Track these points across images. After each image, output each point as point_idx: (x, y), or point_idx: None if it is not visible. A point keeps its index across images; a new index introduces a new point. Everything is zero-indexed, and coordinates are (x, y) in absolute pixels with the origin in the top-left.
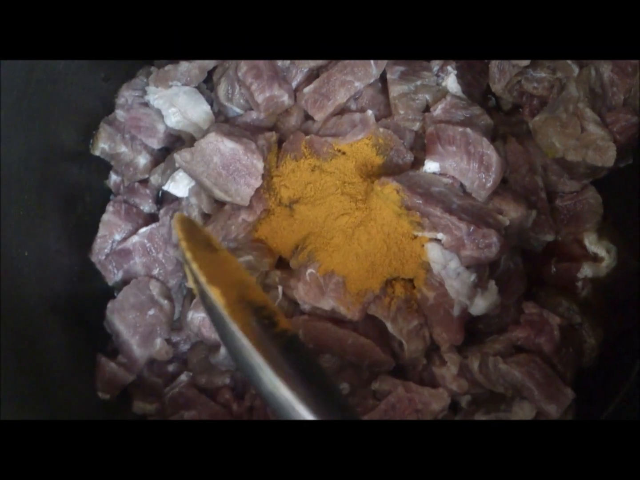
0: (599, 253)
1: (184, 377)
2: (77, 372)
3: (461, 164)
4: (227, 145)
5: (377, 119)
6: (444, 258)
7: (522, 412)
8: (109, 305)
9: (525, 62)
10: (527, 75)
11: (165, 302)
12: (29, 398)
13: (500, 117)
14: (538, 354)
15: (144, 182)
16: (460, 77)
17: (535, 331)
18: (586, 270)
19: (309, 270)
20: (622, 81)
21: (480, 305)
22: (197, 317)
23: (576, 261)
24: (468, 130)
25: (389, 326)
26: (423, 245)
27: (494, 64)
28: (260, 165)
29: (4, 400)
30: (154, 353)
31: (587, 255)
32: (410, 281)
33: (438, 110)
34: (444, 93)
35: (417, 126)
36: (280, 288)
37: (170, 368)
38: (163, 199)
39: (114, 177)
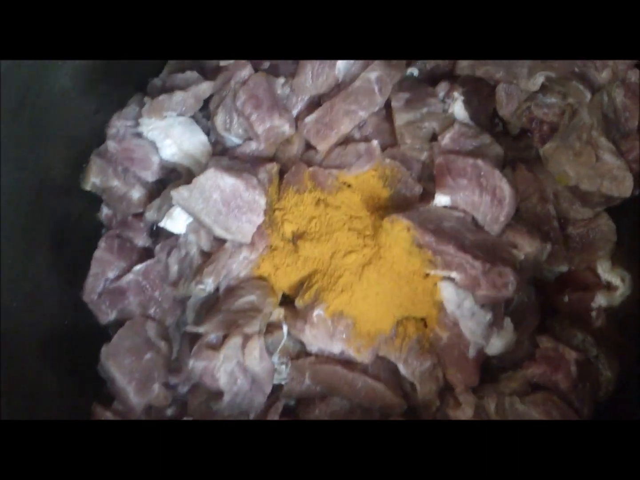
0: (613, 281)
1: None
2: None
3: (473, 197)
4: (227, 181)
5: (383, 148)
6: (458, 297)
7: None
8: (103, 349)
9: (535, 87)
10: (536, 100)
11: (162, 344)
12: None
13: (507, 142)
14: (555, 391)
15: (138, 215)
16: (466, 103)
17: (551, 367)
18: (600, 300)
19: (316, 312)
20: (635, 106)
21: (496, 345)
22: (198, 365)
23: (590, 290)
24: (479, 162)
25: (401, 368)
26: (435, 284)
27: (501, 88)
28: (262, 200)
29: None
30: (151, 399)
31: (601, 283)
32: (422, 320)
33: (446, 139)
34: (451, 120)
35: (424, 156)
36: (285, 328)
37: (169, 412)
38: (158, 232)
39: (105, 210)
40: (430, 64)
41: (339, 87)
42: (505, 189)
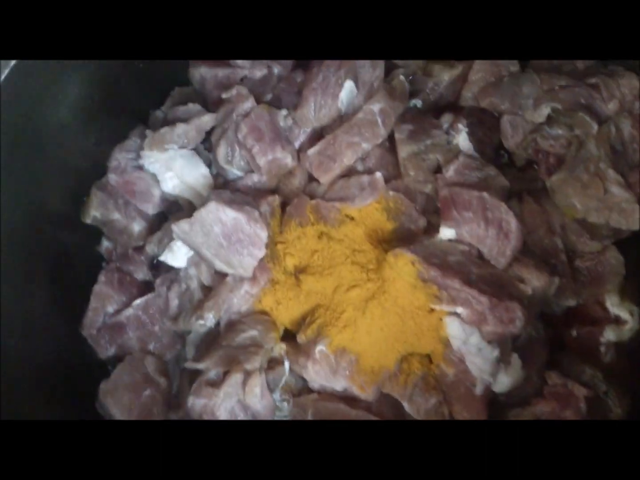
0: (622, 315)
1: None
2: None
3: (478, 231)
4: (229, 215)
5: (386, 180)
6: (464, 333)
7: None
8: (102, 386)
9: (540, 119)
10: (542, 132)
11: (161, 380)
12: None
13: (513, 174)
14: None
15: (139, 248)
16: (471, 135)
17: (560, 404)
18: (609, 334)
19: (319, 348)
20: None
21: (504, 382)
22: (198, 403)
23: (598, 324)
24: (485, 195)
25: (406, 406)
26: (441, 319)
27: (506, 120)
28: (264, 234)
29: None
30: None
31: (610, 317)
32: (427, 356)
33: (451, 172)
34: (455, 152)
35: (429, 188)
36: (287, 364)
37: None
38: (159, 266)
39: (106, 243)
40: (434, 94)
41: (341, 119)
42: (511, 222)
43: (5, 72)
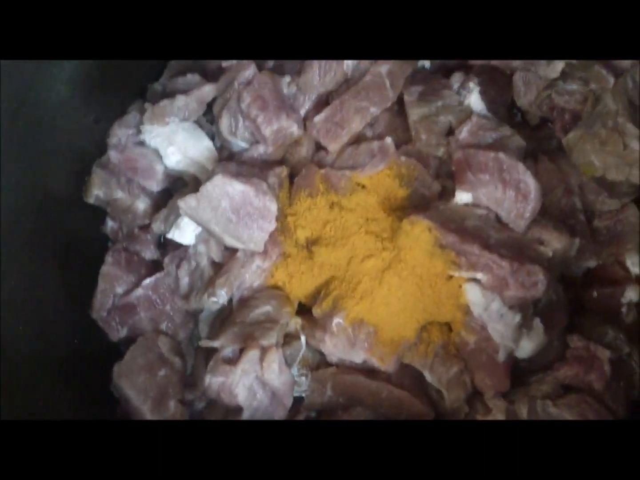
0: None
1: None
2: None
3: (495, 193)
4: (236, 188)
5: (397, 145)
6: (485, 299)
7: None
8: (116, 368)
9: (555, 74)
10: (557, 87)
11: (176, 360)
12: None
13: (527, 133)
14: (588, 392)
15: (145, 226)
16: (482, 94)
17: (584, 368)
18: (630, 294)
19: (336, 321)
20: None
21: (527, 348)
22: (215, 381)
23: (619, 285)
24: (501, 155)
25: (427, 375)
26: (460, 286)
27: (518, 77)
28: (273, 206)
29: None
30: (168, 417)
31: (630, 277)
32: (447, 324)
33: (464, 133)
34: (467, 113)
35: (441, 151)
36: (303, 338)
37: None
38: (167, 244)
39: (110, 223)
40: None
41: (347, 84)
42: (529, 182)
43: None
